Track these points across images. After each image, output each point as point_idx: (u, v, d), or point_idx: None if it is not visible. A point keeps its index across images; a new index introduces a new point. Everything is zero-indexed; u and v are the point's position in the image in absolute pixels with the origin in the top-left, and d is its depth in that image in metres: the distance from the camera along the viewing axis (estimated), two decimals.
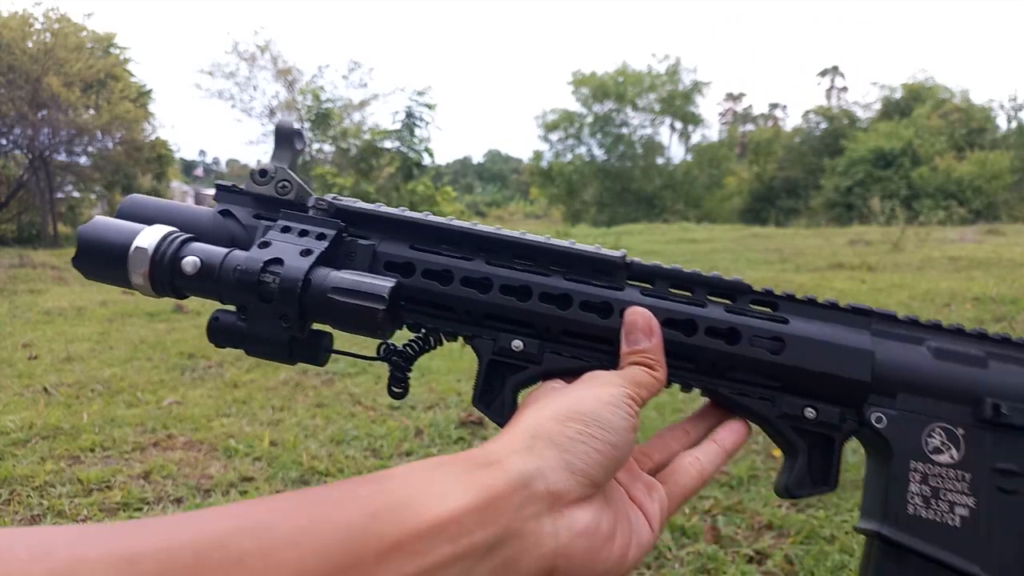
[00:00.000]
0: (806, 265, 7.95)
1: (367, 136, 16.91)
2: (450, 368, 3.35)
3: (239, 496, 1.99)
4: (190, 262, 0.49)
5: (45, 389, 3.04)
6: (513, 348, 0.53)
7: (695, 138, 33.07)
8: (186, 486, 2.04)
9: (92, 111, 14.88)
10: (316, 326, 0.53)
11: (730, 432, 0.55)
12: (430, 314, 0.55)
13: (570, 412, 0.44)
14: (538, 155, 31.24)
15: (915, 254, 8.68)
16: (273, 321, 0.49)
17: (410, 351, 0.56)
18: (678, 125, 32.38)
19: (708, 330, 0.53)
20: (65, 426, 2.52)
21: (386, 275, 0.52)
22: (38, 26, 14.31)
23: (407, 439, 2.45)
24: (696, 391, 0.55)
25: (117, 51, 16.75)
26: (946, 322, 0.54)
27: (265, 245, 0.50)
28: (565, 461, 0.42)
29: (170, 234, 0.50)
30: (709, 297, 0.55)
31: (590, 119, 30.94)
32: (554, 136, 31.53)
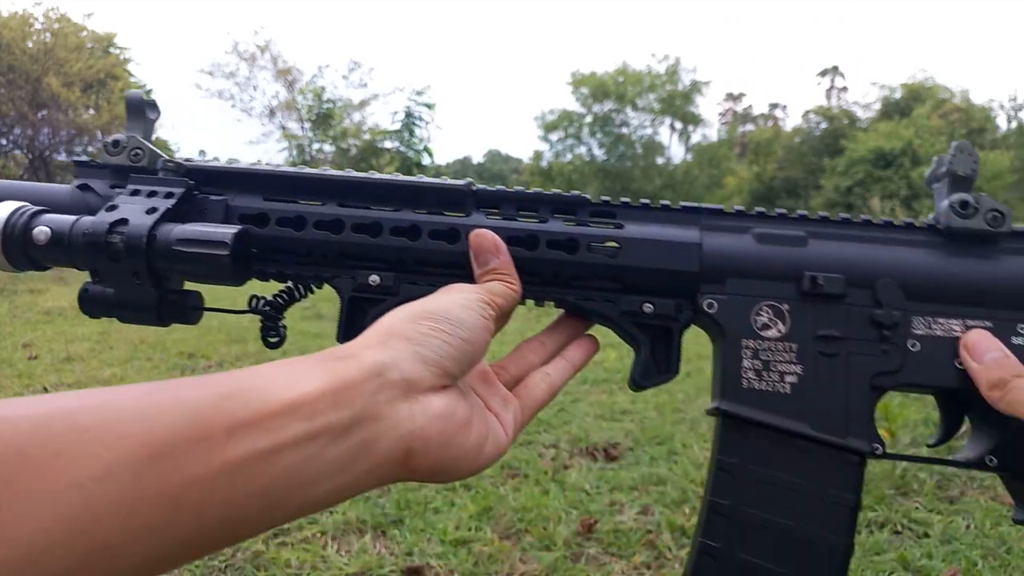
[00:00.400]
0: None
1: (367, 136, 16.91)
2: None
3: None
4: (41, 232, 0.51)
5: (45, 389, 3.04)
6: (371, 283, 0.56)
7: (695, 138, 33.07)
8: None
9: (92, 111, 14.88)
10: (189, 287, 0.57)
11: (578, 348, 0.59)
12: (289, 261, 0.57)
13: (423, 312, 0.47)
14: (538, 155, 31.23)
15: None
16: (127, 280, 0.52)
17: (279, 301, 0.59)
18: (678, 125, 32.38)
19: (549, 243, 0.56)
20: None
21: (237, 226, 0.54)
22: (38, 26, 14.31)
23: None
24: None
25: (117, 51, 16.76)
26: None
27: (112, 208, 0.53)
28: (418, 353, 0.44)
29: (20, 208, 0.52)
30: (556, 215, 0.58)
31: (590, 119, 30.95)
32: (554, 136, 31.51)
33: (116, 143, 0.59)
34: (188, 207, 0.55)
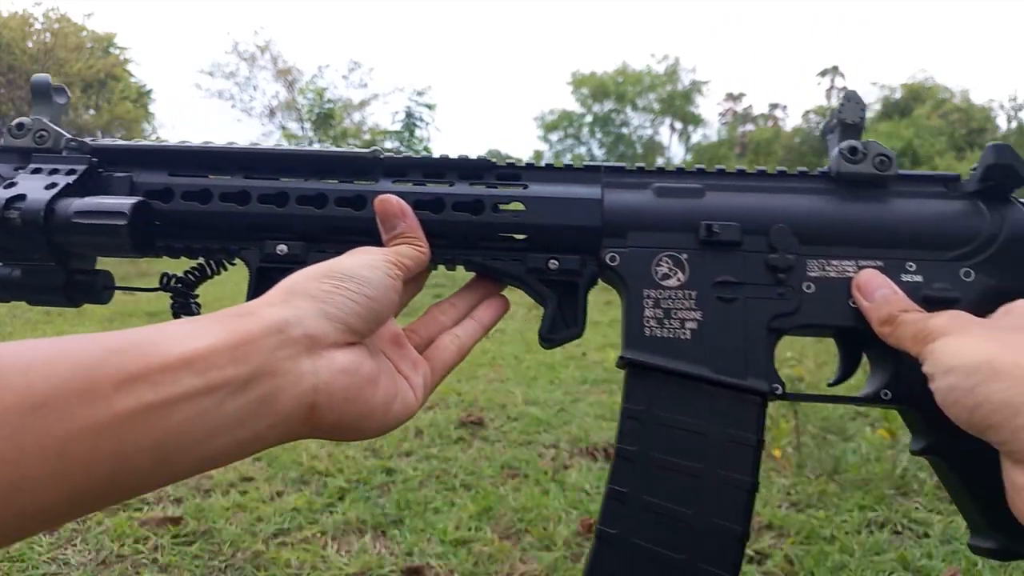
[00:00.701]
0: None
1: (367, 136, 16.91)
2: None
3: (239, 496, 1.99)
4: None
5: None
6: (278, 252, 0.57)
7: (695, 138, 33.07)
8: (186, 486, 2.04)
9: (92, 111, 14.89)
10: (101, 266, 0.58)
11: (488, 309, 0.60)
12: (197, 235, 0.58)
13: (326, 272, 0.47)
14: (538, 155, 31.20)
15: None
16: (30, 259, 0.53)
17: (191, 278, 0.60)
18: (678, 125, 32.38)
19: (455, 205, 0.57)
20: None
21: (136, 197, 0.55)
22: (38, 26, 14.32)
23: (407, 439, 2.44)
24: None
25: (117, 51, 16.77)
26: None
27: (10, 185, 0.54)
28: (321, 310, 0.44)
29: None
30: (463, 180, 0.59)
31: (589, 119, 30.95)
32: (554, 136, 31.54)
33: (20, 126, 0.60)
34: (92, 184, 0.56)
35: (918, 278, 0.54)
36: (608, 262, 0.56)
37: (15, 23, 13.91)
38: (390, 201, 0.55)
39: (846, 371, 0.60)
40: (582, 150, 30.45)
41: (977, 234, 0.55)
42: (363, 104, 18.23)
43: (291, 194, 0.57)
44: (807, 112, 32.26)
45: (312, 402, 0.42)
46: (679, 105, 30.97)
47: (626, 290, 0.56)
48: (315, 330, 0.43)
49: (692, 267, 0.55)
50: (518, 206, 0.57)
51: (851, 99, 0.58)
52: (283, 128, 18.11)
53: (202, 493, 2.02)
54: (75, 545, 1.72)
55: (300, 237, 0.57)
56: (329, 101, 17.41)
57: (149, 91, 18.21)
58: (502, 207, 0.57)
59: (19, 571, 1.61)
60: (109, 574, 1.62)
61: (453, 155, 0.60)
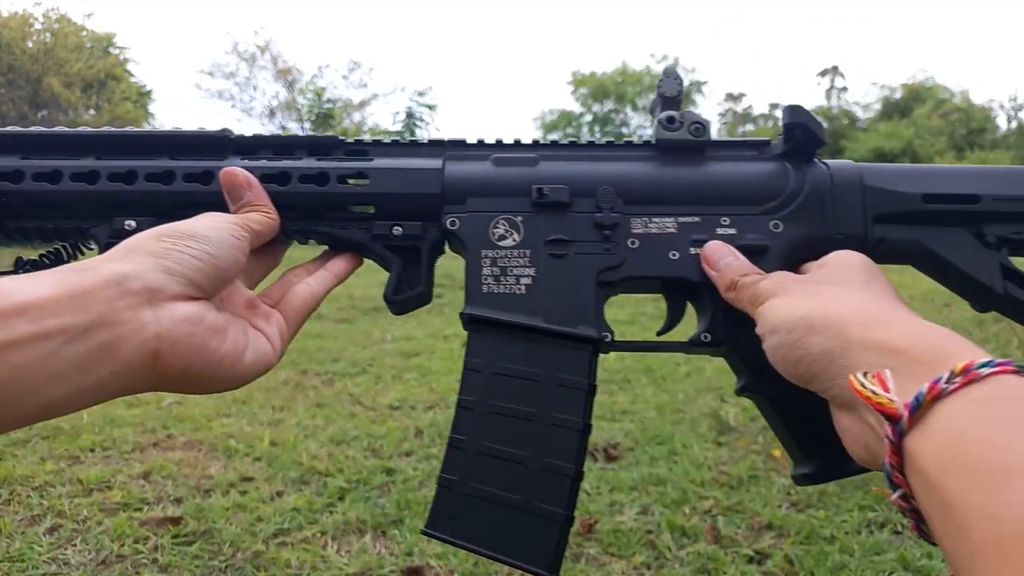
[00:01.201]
0: None
1: (367, 136, 16.90)
2: (450, 368, 3.35)
3: (239, 496, 1.99)
4: None
5: None
6: (126, 228, 0.59)
7: None
8: (186, 486, 2.04)
9: (92, 111, 14.88)
10: None
11: (341, 260, 0.63)
12: (49, 215, 0.60)
13: (167, 231, 0.49)
14: None
15: None
16: None
17: (45, 261, 0.61)
18: None
19: (301, 177, 0.61)
20: (65, 426, 2.51)
21: None
22: (38, 26, 14.31)
23: (407, 439, 2.44)
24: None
25: (117, 51, 16.76)
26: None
27: None
28: (160, 264, 0.46)
29: None
30: (312, 156, 0.63)
31: (589, 119, 30.94)
32: (554, 136, 31.50)
33: None
34: None
35: (732, 231, 0.60)
36: (449, 227, 0.60)
37: (15, 23, 13.90)
38: (235, 173, 0.57)
39: (672, 321, 0.64)
40: None
41: (783, 190, 0.61)
42: (363, 104, 18.23)
43: (140, 172, 0.59)
44: None
45: (155, 350, 0.44)
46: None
47: (466, 252, 0.60)
48: (155, 283, 0.44)
49: (526, 228, 0.60)
50: (363, 179, 0.61)
51: (669, 75, 0.63)
52: (283, 128, 18.10)
53: (202, 493, 2.02)
54: (75, 545, 1.72)
55: (149, 213, 0.59)
56: (329, 101, 17.41)
57: (149, 91, 18.21)
58: (349, 179, 0.61)
59: (19, 571, 1.61)
60: (109, 574, 1.62)
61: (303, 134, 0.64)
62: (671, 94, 0.62)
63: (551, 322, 0.58)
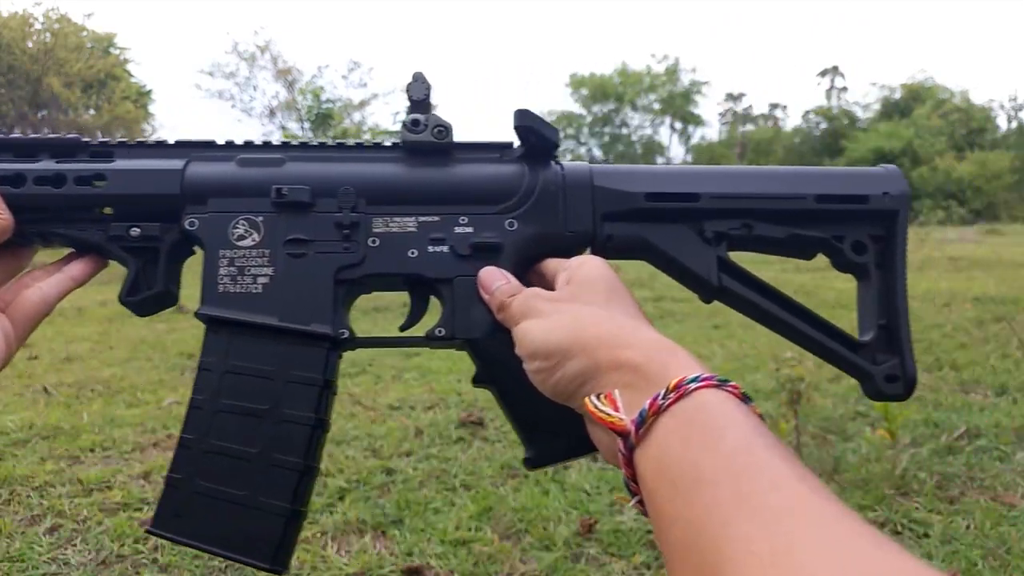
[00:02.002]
0: (806, 265, 7.94)
1: (367, 136, 16.91)
2: (450, 368, 3.35)
3: None
4: None
5: (45, 389, 3.04)
6: None
7: (695, 138, 33.05)
8: None
9: (92, 111, 14.89)
10: None
11: (80, 263, 0.63)
12: None
13: None
14: None
15: (915, 254, 8.67)
16: None
17: None
18: (678, 125, 32.37)
19: (36, 179, 0.61)
20: (65, 426, 2.52)
21: None
22: (38, 26, 14.31)
23: (407, 439, 2.44)
24: None
25: (117, 51, 16.76)
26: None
27: None
28: None
29: None
30: (54, 158, 0.63)
31: (589, 119, 30.94)
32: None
33: None
34: None
35: (469, 229, 0.62)
36: (188, 227, 0.61)
37: (15, 23, 13.89)
38: None
39: (414, 316, 0.65)
40: (582, 150, 30.44)
41: (518, 190, 0.63)
42: (363, 104, 18.22)
43: None
44: (807, 112, 32.24)
45: None
46: (679, 105, 30.97)
47: (204, 251, 0.61)
48: None
49: (267, 228, 0.61)
50: (101, 180, 0.62)
51: (417, 79, 0.64)
52: (283, 128, 18.10)
53: None
54: (75, 545, 1.72)
55: None
56: (328, 101, 17.41)
57: (149, 91, 18.22)
58: (91, 181, 0.61)
59: (19, 571, 1.61)
60: (109, 574, 1.62)
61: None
62: (418, 97, 0.63)
63: (286, 320, 0.59)
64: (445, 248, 0.61)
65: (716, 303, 0.65)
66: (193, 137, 0.65)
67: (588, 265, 0.56)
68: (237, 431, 0.58)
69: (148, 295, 0.62)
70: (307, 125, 17.05)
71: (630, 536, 1.77)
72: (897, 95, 28.29)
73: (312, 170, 0.63)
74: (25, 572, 1.61)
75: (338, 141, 0.64)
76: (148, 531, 0.58)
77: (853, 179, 0.65)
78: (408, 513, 1.88)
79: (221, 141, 0.64)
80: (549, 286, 0.58)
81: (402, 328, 0.66)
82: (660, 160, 30.41)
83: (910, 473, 2.09)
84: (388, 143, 0.65)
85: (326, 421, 0.60)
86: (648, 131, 31.64)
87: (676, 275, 0.64)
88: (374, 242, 0.61)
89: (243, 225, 0.61)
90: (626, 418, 0.41)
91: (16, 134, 0.64)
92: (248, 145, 0.64)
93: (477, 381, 0.63)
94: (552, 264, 0.61)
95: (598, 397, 0.45)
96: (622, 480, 0.42)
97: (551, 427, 0.59)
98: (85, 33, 15.38)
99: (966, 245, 10.06)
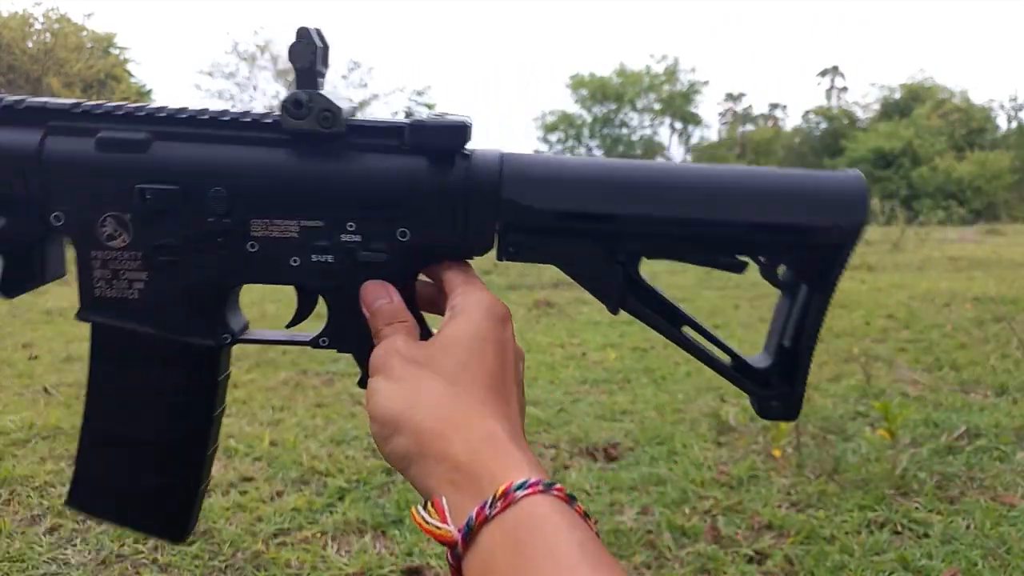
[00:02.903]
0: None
1: None
2: None
3: (239, 496, 1.99)
4: None
5: (45, 389, 3.04)
6: None
7: (695, 138, 33.08)
8: None
9: None
10: None
11: None
12: None
13: None
14: None
15: (915, 254, 8.68)
16: None
17: None
18: (678, 125, 32.39)
19: None
20: (65, 426, 2.52)
21: None
22: (38, 26, 14.31)
23: None
24: None
25: (117, 51, 16.75)
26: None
27: None
28: None
29: None
30: None
31: (589, 120, 30.96)
32: (553, 137, 31.54)
33: None
34: None
35: (356, 238, 0.55)
36: (53, 222, 0.54)
37: (15, 23, 13.90)
38: None
39: (298, 317, 0.62)
40: (582, 151, 30.44)
41: (413, 195, 0.55)
42: (363, 104, 18.22)
43: None
44: (807, 112, 32.25)
45: None
46: (679, 105, 30.98)
47: (76, 251, 0.55)
48: None
49: (136, 228, 0.54)
50: None
51: (303, 38, 0.52)
52: None
53: None
54: (75, 545, 1.72)
55: None
56: None
57: (149, 91, 18.20)
58: None
59: (19, 571, 1.61)
60: (109, 574, 1.62)
61: None
62: (303, 65, 0.53)
63: (164, 330, 0.56)
64: (330, 258, 0.55)
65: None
66: (46, 100, 0.55)
67: (462, 319, 0.51)
68: (123, 451, 0.61)
69: (29, 284, 0.58)
70: None
71: (630, 536, 1.77)
72: (897, 95, 28.29)
73: (181, 158, 0.54)
74: (25, 572, 1.61)
75: (211, 114, 0.55)
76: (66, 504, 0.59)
77: (806, 202, 0.57)
78: (408, 513, 1.88)
79: (83, 107, 0.55)
80: (442, 294, 0.55)
81: (288, 326, 0.63)
82: (660, 160, 30.31)
83: (910, 473, 2.09)
84: (269, 119, 0.55)
85: (208, 430, 0.60)
86: (648, 131, 31.67)
87: (583, 285, 0.60)
88: (253, 247, 0.55)
89: (111, 223, 0.54)
90: (453, 528, 0.41)
91: None
92: (108, 114, 0.54)
93: (362, 384, 0.58)
94: (450, 277, 0.56)
95: (424, 507, 0.44)
96: None
97: None
98: (85, 33, 15.38)
99: (966, 245, 10.07)
